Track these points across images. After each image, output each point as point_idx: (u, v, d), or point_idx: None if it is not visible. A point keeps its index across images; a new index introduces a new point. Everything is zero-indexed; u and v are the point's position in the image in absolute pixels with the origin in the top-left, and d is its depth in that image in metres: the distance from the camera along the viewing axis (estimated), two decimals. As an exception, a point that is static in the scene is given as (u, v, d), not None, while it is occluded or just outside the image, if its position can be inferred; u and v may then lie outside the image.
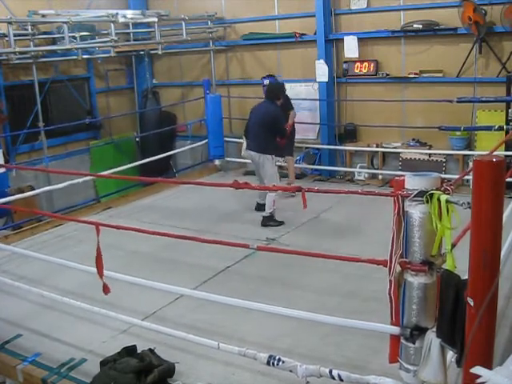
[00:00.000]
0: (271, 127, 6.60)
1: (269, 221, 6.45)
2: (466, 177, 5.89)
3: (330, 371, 2.83)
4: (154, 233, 3.73)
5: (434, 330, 2.52)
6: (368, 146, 8.69)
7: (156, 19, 9.36)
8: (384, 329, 2.81)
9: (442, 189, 2.48)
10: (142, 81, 10.90)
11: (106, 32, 9.05)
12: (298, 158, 9.41)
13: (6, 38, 7.89)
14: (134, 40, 10.34)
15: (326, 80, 8.77)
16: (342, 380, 2.81)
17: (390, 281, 2.61)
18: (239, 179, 7.30)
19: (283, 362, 2.96)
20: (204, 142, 9.30)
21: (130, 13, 9.64)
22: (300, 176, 8.99)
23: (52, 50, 8.83)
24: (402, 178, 2.59)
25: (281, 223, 6.45)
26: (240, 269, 5.28)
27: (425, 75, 8.24)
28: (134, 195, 8.21)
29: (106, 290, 3.62)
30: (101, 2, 10.04)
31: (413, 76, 8.27)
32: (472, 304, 2.20)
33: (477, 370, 1.61)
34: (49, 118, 9.34)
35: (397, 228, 2.60)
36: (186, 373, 3.54)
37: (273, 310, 3.30)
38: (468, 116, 7.78)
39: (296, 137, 9.45)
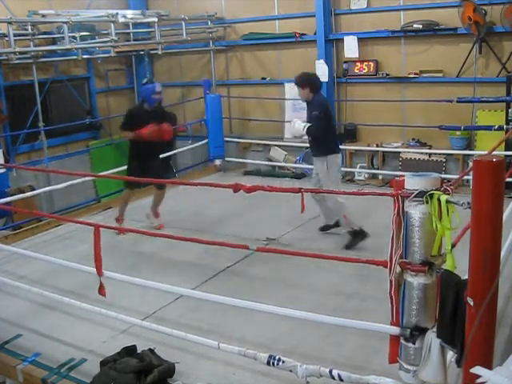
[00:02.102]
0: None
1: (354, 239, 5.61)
2: (466, 177, 5.90)
3: (330, 371, 2.83)
4: (153, 234, 3.73)
5: (434, 330, 2.52)
6: (368, 146, 8.70)
7: (156, 19, 9.37)
8: (384, 329, 2.81)
9: (442, 189, 2.48)
10: (142, 81, 10.88)
11: (106, 32, 9.06)
12: (298, 157, 9.42)
13: (6, 38, 7.89)
14: (134, 40, 10.34)
15: (326, 80, 8.76)
16: (342, 380, 2.81)
17: (391, 281, 2.61)
18: (239, 179, 7.32)
19: (283, 361, 2.96)
20: (204, 142, 9.30)
21: (130, 13, 9.65)
22: (300, 176, 9.01)
23: (52, 50, 8.83)
24: (402, 178, 2.59)
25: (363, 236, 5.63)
26: (240, 269, 5.28)
27: (425, 75, 8.25)
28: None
29: (101, 291, 3.62)
30: (101, 2, 10.04)
31: (413, 76, 8.28)
32: (472, 304, 2.20)
33: (477, 370, 1.61)
34: (49, 118, 9.35)
35: (397, 228, 2.60)
36: (186, 373, 3.54)
37: (273, 310, 3.30)
38: (468, 116, 7.78)
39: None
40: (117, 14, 8.67)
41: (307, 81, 5.72)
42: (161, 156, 6.72)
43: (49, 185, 8.20)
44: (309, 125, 5.60)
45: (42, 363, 3.75)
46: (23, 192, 7.30)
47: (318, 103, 5.68)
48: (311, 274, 4.98)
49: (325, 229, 6.15)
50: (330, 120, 5.89)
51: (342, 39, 8.65)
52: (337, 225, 6.00)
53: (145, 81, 6.13)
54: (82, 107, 10.08)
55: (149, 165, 6.16)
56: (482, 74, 7.75)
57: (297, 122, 5.72)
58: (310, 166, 9.15)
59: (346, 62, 8.83)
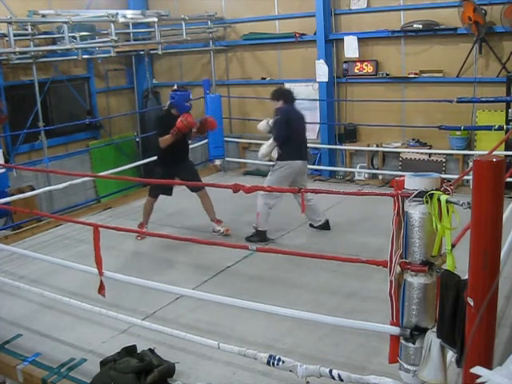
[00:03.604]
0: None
1: (255, 236, 6.03)
2: (466, 177, 5.90)
3: (330, 371, 2.83)
4: (153, 234, 3.73)
5: (434, 330, 2.52)
6: (368, 146, 8.70)
7: (156, 19, 9.37)
8: (384, 329, 2.81)
9: (442, 189, 2.48)
10: (142, 81, 10.90)
11: (106, 32, 9.05)
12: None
13: (6, 38, 7.89)
14: (134, 40, 10.34)
15: (326, 80, 8.78)
16: (342, 380, 2.81)
17: (391, 281, 2.61)
18: (239, 179, 7.30)
19: (283, 361, 2.96)
20: (204, 142, 9.30)
21: (129, 13, 9.65)
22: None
23: (52, 50, 8.83)
24: (402, 178, 2.59)
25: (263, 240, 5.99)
26: (240, 269, 5.28)
27: (425, 75, 8.24)
28: (134, 195, 8.21)
29: (101, 291, 3.62)
30: (101, 2, 10.04)
31: (413, 76, 8.27)
32: (472, 304, 2.20)
33: (477, 369, 1.61)
34: (49, 118, 9.35)
35: (396, 228, 2.60)
36: (186, 373, 3.54)
37: (273, 310, 3.30)
38: (468, 116, 7.78)
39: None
40: (117, 14, 8.67)
41: (282, 94, 6.24)
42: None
43: (49, 185, 8.20)
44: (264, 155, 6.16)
45: (42, 363, 3.75)
46: (23, 192, 7.30)
47: (281, 111, 6.03)
48: (311, 274, 4.99)
49: (318, 227, 6.29)
50: (293, 130, 6.01)
51: (342, 39, 8.64)
52: (326, 225, 6.27)
53: (175, 87, 6.12)
54: (82, 107, 10.07)
55: (181, 169, 5.97)
56: (482, 74, 7.74)
57: (262, 123, 6.28)
58: (310, 166, 9.19)
59: (346, 62, 8.83)
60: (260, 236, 5.97)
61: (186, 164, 6.25)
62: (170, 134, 5.76)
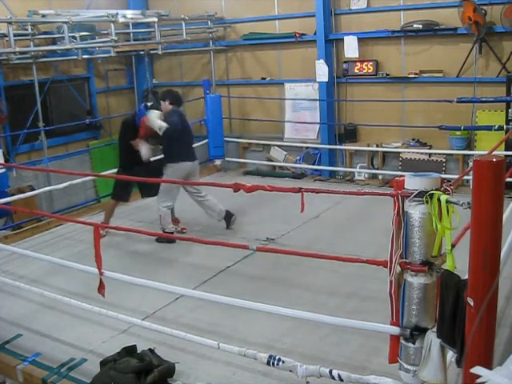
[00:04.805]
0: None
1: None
2: (466, 177, 5.90)
3: (330, 371, 2.83)
4: (152, 234, 3.73)
5: (434, 330, 2.52)
6: (368, 146, 8.70)
7: (156, 19, 9.37)
8: (384, 329, 2.81)
9: (442, 189, 2.48)
10: (142, 81, 10.90)
11: (106, 32, 9.05)
12: (298, 158, 9.43)
13: (6, 38, 7.88)
14: (134, 40, 10.34)
15: (326, 80, 8.78)
16: (342, 380, 2.81)
17: (391, 281, 2.61)
18: (239, 179, 7.31)
19: (283, 361, 2.96)
20: (204, 142, 9.29)
21: (129, 13, 9.65)
22: (300, 176, 9.01)
23: (52, 50, 8.83)
24: (402, 178, 2.59)
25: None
26: (240, 268, 5.28)
27: (425, 75, 8.25)
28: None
29: (101, 290, 3.62)
30: (101, 2, 10.04)
31: (413, 76, 8.28)
32: (472, 304, 2.20)
33: (477, 369, 1.61)
34: (49, 118, 9.35)
35: (397, 228, 2.60)
36: (186, 373, 3.54)
37: (273, 310, 3.30)
38: (468, 116, 7.78)
39: (296, 136, 9.55)
40: (117, 14, 8.66)
41: (168, 95, 6.32)
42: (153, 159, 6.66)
43: (49, 185, 8.21)
44: (166, 127, 5.95)
45: (42, 363, 3.76)
46: (23, 192, 7.30)
47: (172, 112, 6.13)
48: (311, 273, 4.98)
49: (227, 224, 6.42)
50: (182, 132, 6.16)
51: (342, 39, 8.64)
52: (229, 216, 6.41)
53: (150, 104, 6.35)
54: (82, 107, 10.07)
55: (142, 171, 6.03)
56: (482, 74, 7.75)
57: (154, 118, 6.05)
58: (310, 166, 9.21)
59: (346, 61, 8.83)
60: (168, 237, 5.85)
61: (148, 168, 6.26)
62: (137, 139, 6.12)
